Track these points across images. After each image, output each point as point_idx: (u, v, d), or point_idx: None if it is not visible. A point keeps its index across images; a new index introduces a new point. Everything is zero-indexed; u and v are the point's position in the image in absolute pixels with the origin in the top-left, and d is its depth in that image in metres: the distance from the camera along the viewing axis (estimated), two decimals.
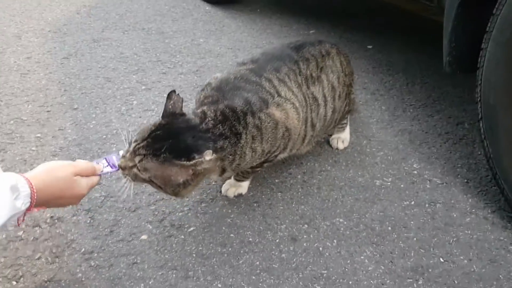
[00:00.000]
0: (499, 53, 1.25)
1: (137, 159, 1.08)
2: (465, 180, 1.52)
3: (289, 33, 2.81)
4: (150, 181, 1.09)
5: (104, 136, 1.73)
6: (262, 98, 1.25)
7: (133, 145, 1.09)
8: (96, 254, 1.22)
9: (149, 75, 2.23)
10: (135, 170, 1.08)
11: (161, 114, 1.16)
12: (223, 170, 1.21)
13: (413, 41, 2.61)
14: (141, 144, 1.08)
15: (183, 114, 1.15)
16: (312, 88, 1.38)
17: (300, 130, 1.34)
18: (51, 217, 1.34)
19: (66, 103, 1.95)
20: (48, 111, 1.88)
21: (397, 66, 2.31)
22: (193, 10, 3.16)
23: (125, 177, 1.10)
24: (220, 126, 1.16)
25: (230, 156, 1.18)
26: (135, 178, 1.09)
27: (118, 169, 1.11)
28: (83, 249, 1.23)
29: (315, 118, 1.40)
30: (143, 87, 2.12)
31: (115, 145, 1.68)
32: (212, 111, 1.18)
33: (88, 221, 1.32)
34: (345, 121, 1.63)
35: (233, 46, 2.59)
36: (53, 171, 0.98)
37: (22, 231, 1.28)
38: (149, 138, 1.09)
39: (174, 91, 1.16)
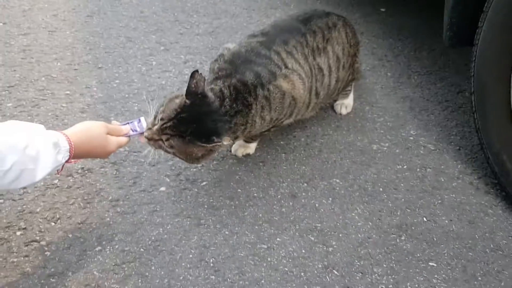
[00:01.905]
0: (493, 34, 1.34)
1: (164, 137, 1.23)
2: (457, 147, 1.65)
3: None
4: (173, 154, 1.26)
5: (127, 96, 1.88)
6: (271, 71, 1.39)
7: (160, 123, 1.23)
8: (121, 202, 1.40)
9: (167, 36, 2.34)
10: (161, 143, 1.24)
11: (184, 90, 1.28)
12: (235, 138, 1.36)
13: (426, 6, 2.65)
14: (168, 124, 1.22)
15: (205, 96, 1.27)
16: (318, 59, 1.50)
17: (305, 98, 1.48)
18: (82, 168, 1.52)
19: (91, 62, 2.09)
20: (75, 69, 2.03)
21: (407, 31, 2.38)
22: None
23: (151, 146, 1.26)
24: (235, 104, 1.31)
25: (242, 126, 1.33)
26: (160, 147, 1.26)
27: (141, 133, 1.26)
28: (110, 197, 1.42)
29: (319, 87, 1.52)
30: (162, 48, 2.24)
31: (136, 104, 1.83)
32: (227, 87, 1.32)
33: (114, 173, 1.50)
34: (349, 88, 1.75)
35: (248, 7, 2.67)
36: (89, 130, 1.13)
37: (57, 180, 1.47)
38: (175, 119, 1.22)
39: (197, 71, 1.26)
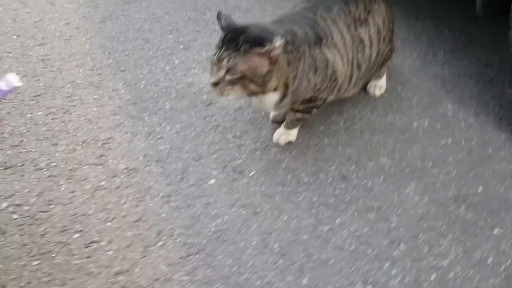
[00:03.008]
0: None
1: (224, 62, 1.25)
2: (498, 118, 1.65)
3: None
4: (242, 78, 1.26)
5: (156, 95, 1.87)
6: (317, 34, 1.41)
7: (214, 57, 1.27)
8: (173, 197, 1.38)
9: (184, 34, 2.33)
10: (227, 76, 1.25)
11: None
12: (286, 87, 1.36)
13: None
14: (221, 51, 1.26)
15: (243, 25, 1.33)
16: (360, 29, 1.50)
17: (346, 71, 1.47)
18: (126, 168, 1.50)
19: (113, 65, 2.07)
20: (98, 74, 2.01)
21: (424, 12, 2.38)
22: None
23: (221, 94, 1.28)
24: (290, 46, 1.34)
25: (294, 71, 1.34)
26: (230, 84, 1.26)
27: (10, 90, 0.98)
28: (161, 194, 1.40)
29: (360, 59, 1.52)
30: (181, 46, 2.23)
31: (167, 102, 1.82)
32: (282, 31, 1.33)
33: (160, 170, 1.49)
34: (383, 69, 1.75)
35: (260, 0, 2.66)
36: None
37: (104, 181, 1.45)
38: (224, 43, 1.26)
39: (220, 12, 1.35)
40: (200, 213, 1.33)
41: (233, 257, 1.20)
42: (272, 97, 1.38)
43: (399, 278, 1.14)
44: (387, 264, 1.17)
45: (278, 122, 1.64)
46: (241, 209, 1.34)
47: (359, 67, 1.54)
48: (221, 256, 1.20)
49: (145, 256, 1.21)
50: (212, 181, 1.44)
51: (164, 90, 1.89)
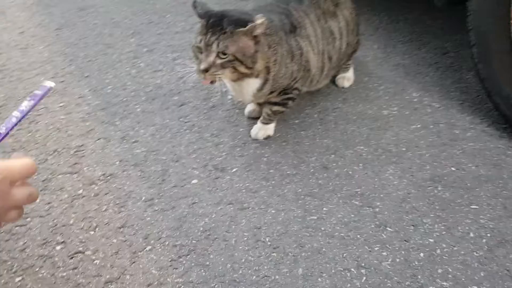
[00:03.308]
0: None
1: (214, 46, 1.26)
2: (460, 102, 1.73)
3: None
4: (233, 60, 1.27)
5: (125, 99, 1.83)
6: (292, 23, 1.45)
7: (201, 43, 1.28)
8: (157, 200, 1.36)
9: (146, 37, 2.30)
10: (217, 60, 1.26)
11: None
12: (268, 71, 1.38)
13: None
14: (208, 36, 1.27)
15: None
16: (329, 22, 1.54)
17: (318, 62, 1.51)
18: (103, 174, 1.46)
19: (76, 72, 2.02)
20: (62, 81, 1.95)
21: (379, 7, 2.47)
22: None
23: (212, 79, 1.29)
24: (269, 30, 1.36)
25: (274, 55, 1.37)
26: (221, 68, 1.27)
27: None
28: (143, 197, 1.37)
29: (331, 50, 1.56)
30: (145, 49, 2.20)
31: (138, 106, 1.78)
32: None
33: (139, 174, 1.46)
34: (350, 61, 1.79)
35: (219, 1, 2.66)
36: None
37: (81, 190, 1.41)
38: (209, 29, 1.27)
39: (195, 0, 1.34)
40: (186, 213, 1.31)
41: (226, 254, 1.20)
42: (253, 84, 1.40)
43: (390, 260, 1.17)
44: (377, 247, 1.20)
45: (254, 118, 1.65)
46: (227, 206, 1.34)
47: (330, 58, 1.57)
48: (213, 255, 1.20)
49: (134, 262, 1.19)
50: (194, 181, 1.43)
51: (132, 93, 1.86)
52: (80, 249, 1.23)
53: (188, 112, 1.74)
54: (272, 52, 1.37)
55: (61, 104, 1.80)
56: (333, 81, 1.86)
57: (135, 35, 2.33)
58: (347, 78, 1.84)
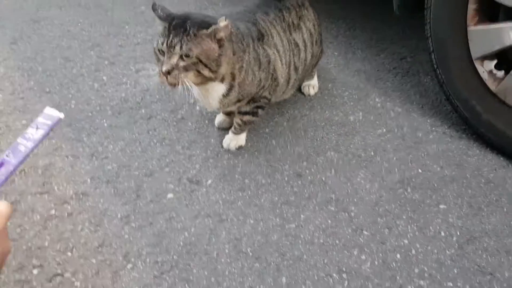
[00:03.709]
0: None
1: (177, 48, 1.23)
2: (420, 105, 1.81)
3: None
4: (196, 63, 1.25)
5: (90, 114, 1.79)
6: (259, 30, 1.47)
7: (164, 45, 1.25)
8: (133, 217, 1.35)
9: (107, 49, 2.26)
10: (180, 62, 1.24)
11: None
12: (233, 77, 1.37)
13: None
14: (170, 38, 1.24)
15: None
16: (294, 34, 1.58)
17: (284, 73, 1.54)
18: (75, 193, 1.43)
19: (36, 87, 1.96)
20: (22, 98, 1.89)
21: (336, 14, 2.54)
22: None
23: (174, 82, 1.26)
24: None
25: (239, 62, 1.37)
26: (184, 71, 1.25)
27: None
28: (119, 215, 1.35)
29: (297, 61, 1.59)
30: (106, 62, 2.16)
31: (105, 120, 1.75)
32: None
33: (112, 191, 1.43)
34: (314, 69, 1.84)
35: (178, 11, 2.65)
36: None
37: (53, 210, 1.37)
38: (171, 31, 1.25)
39: (154, 3, 1.32)
40: (165, 229, 1.31)
41: (208, 268, 1.20)
42: (219, 89, 1.39)
43: (369, 263, 1.21)
44: (356, 251, 1.24)
45: (224, 129, 1.66)
46: (206, 219, 1.34)
47: (296, 69, 1.61)
48: (196, 269, 1.20)
49: (116, 282, 1.17)
50: (170, 195, 1.42)
51: (98, 108, 1.82)
52: (59, 271, 1.20)
53: (157, 125, 1.73)
54: (237, 59, 1.37)
55: (23, 122, 1.74)
56: (299, 89, 1.90)
57: (95, 47, 2.28)
58: (312, 86, 1.88)
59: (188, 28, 1.24)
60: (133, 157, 1.57)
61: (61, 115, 0.84)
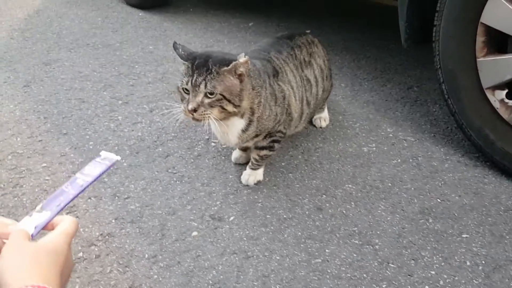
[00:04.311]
0: (453, 28, 1.55)
1: (201, 87, 1.29)
2: (432, 134, 1.85)
3: (231, 29, 3.00)
4: (221, 99, 1.31)
5: None
6: (274, 68, 1.53)
7: (188, 84, 1.31)
8: (160, 257, 1.36)
9: (119, 89, 2.31)
10: (205, 100, 1.30)
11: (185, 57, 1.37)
12: (252, 112, 1.42)
13: (346, 22, 2.92)
14: (194, 77, 1.30)
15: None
16: (306, 71, 1.64)
17: (298, 108, 1.59)
18: (101, 234, 1.44)
19: (53, 129, 1.99)
20: (40, 141, 1.92)
21: (339, 45, 2.61)
22: (128, 18, 3.22)
23: (200, 119, 1.32)
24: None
25: (258, 97, 1.42)
26: (209, 107, 1.31)
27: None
28: (146, 255, 1.37)
29: (309, 97, 1.65)
30: (120, 102, 2.20)
31: (124, 160, 1.78)
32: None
33: (137, 231, 1.45)
34: (324, 103, 1.88)
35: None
36: (52, 252, 0.70)
37: (81, 252, 1.38)
38: (195, 70, 1.31)
39: (175, 42, 1.39)
40: (193, 267, 1.32)
41: None
42: (238, 125, 1.43)
43: None
44: (384, 285, 1.25)
45: (241, 164, 1.69)
46: (232, 256, 1.35)
47: (308, 104, 1.65)
48: None
49: None
50: (194, 233, 1.44)
51: (116, 148, 1.85)
52: None
53: (175, 163, 1.75)
54: (256, 94, 1.43)
55: (43, 165, 1.76)
56: (310, 121, 1.94)
57: (107, 87, 2.33)
58: (323, 118, 1.92)
59: (210, 67, 1.30)
60: (155, 196, 1.59)
61: (118, 157, 0.88)
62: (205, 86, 1.30)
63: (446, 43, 1.58)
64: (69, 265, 0.74)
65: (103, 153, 0.89)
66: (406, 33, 1.75)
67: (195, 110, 1.31)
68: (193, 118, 1.33)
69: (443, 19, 1.56)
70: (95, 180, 0.86)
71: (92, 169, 0.87)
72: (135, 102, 2.18)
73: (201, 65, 1.32)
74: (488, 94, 1.53)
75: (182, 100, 1.37)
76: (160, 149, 1.83)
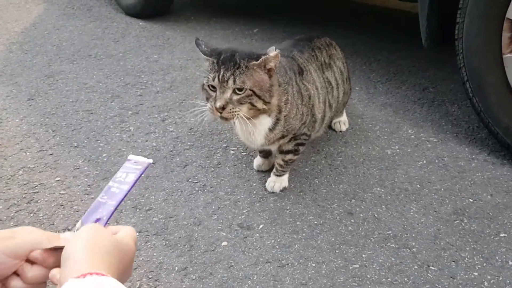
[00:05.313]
0: (476, 25, 1.53)
1: (230, 82, 1.23)
2: (455, 134, 1.82)
3: (235, 36, 2.97)
4: (250, 95, 1.24)
5: None
6: (299, 65, 1.48)
7: (215, 81, 1.24)
8: (191, 269, 1.30)
9: (127, 100, 2.25)
10: (234, 96, 1.23)
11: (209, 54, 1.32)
12: (279, 110, 1.37)
13: (353, 26, 2.90)
14: (221, 72, 1.23)
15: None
16: (326, 73, 1.60)
17: (321, 110, 1.54)
18: None
19: (63, 143, 1.93)
20: (51, 154, 1.85)
21: (348, 49, 2.58)
22: (128, 28, 3.17)
23: (229, 117, 1.25)
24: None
25: (285, 94, 1.37)
26: (238, 104, 1.24)
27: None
28: (176, 268, 1.31)
29: (331, 99, 1.61)
30: (130, 112, 2.14)
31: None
32: None
33: (164, 243, 1.39)
34: (344, 106, 1.85)
35: (191, 57, 2.68)
36: (119, 245, 0.66)
37: None
38: (221, 65, 1.24)
39: (197, 38, 1.35)
40: (227, 278, 1.26)
41: None
42: (265, 123, 1.38)
43: None
44: None
45: (263, 171, 1.64)
46: (266, 265, 1.30)
47: (330, 106, 1.61)
48: None
49: None
50: (224, 243, 1.38)
51: None
52: None
53: (195, 172, 1.70)
54: (283, 91, 1.37)
55: (57, 179, 1.70)
56: (329, 126, 1.90)
57: (115, 98, 2.27)
58: (343, 122, 1.88)
59: (238, 61, 1.24)
60: (178, 207, 1.53)
61: (150, 161, 0.81)
62: (234, 81, 1.23)
63: (470, 40, 1.56)
64: (130, 271, 0.68)
65: (132, 157, 0.82)
66: (426, 32, 1.72)
67: (223, 108, 1.24)
68: (221, 117, 1.26)
69: (467, 16, 1.54)
70: (132, 188, 0.79)
71: (125, 176, 0.80)
72: (145, 112, 2.13)
73: (228, 60, 1.25)
74: None
75: (207, 98, 1.30)
76: (178, 159, 1.78)
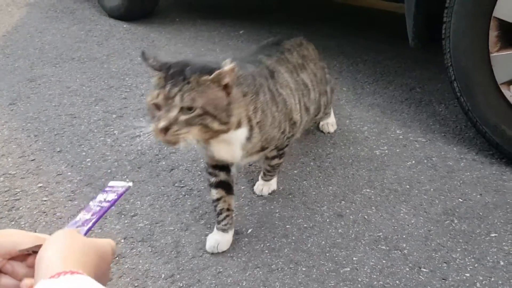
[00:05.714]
0: (463, 24, 1.52)
1: (176, 99, 1.03)
2: (443, 134, 1.81)
3: (221, 37, 2.94)
4: (202, 115, 1.05)
5: (109, 170, 1.72)
6: (270, 69, 1.35)
7: (159, 97, 1.05)
8: (178, 276, 1.27)
9: (111, 103, 2.21)
10: (180, 116, 1.03)
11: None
12: (249, 119, 1.20)
13: (340, 27, 2.89)
14: (167, 88, 1.04)
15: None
16: (301, 74, 1.49)
17: (298, 114, 1.42)
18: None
19: (45, 148, 1.88)
20: (33, 160, 1.81)
21: (335, 50, 2.57)
22: (112, 31, 3.13)
23: (174, 141, 1.05)
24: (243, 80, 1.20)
25: (253, 103, 1.20)
26: (186, 126, 1.04)
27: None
28: (162, 275, 1.27)
29: (307, 102, 1.50)
30: (114, 116, 2.10)
31: (126, 176, 1.68)
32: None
33: (150, 250, 1.35)
34: (330, 107, 1.81)
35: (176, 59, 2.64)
36: (95, 249, 0.64)
37: None
38: (168, 80, 1.05)
39: (143, 52, 1.14)
40: (215, 285, 1.23)
41: None
42: (240, 135, 1.19)
43: None
44: None
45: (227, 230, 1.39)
46: (255, 270, 1.27)
47: (307, 110, 1.51)
48: None
49: None
50: None
51: (116, 164, 1.75)
52: None
53: (182, 176, 1.66)
54: (249, 100, 1.19)
55: (39, 185, 1.65)
56: (317, 127, 1.88)
57: (99, 102, 2.23)
58: (331, 123, 1.86)
59: (188, 76, 1.05)
60: (164, 212, 1.50)
61: (130, 184, 0.79)
62: (182, 98, 1.02)
63: (458, 39, 1.55)
64: (106, 279, 0.65)
65: (112, 183, 0.79)
66: (413, 32, 1.71)
67: (167, 129, 1.02)
68: (165, 140, 1.04)
69: (454, 15, 1.53)
70: (112, 205, 0.76)
71: (105, 196, 0.78)
72: (130, 115, 2.09)
73: (177, 74, 1.05)
74: (503, 89, 1.50)
75: (152, 118, 1.08)
76: (164, 163, 1.74)
